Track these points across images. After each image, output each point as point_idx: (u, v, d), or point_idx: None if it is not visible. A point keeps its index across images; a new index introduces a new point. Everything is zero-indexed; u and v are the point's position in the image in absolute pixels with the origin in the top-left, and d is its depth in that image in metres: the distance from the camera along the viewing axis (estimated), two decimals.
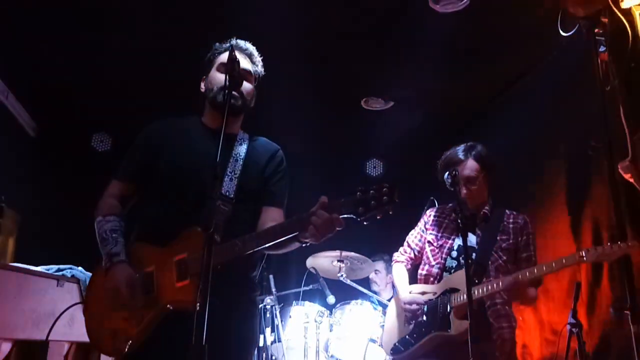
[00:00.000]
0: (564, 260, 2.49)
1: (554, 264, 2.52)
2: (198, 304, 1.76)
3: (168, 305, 1.96)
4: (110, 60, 4.27)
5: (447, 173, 2.76)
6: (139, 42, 4.03)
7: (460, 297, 2.70)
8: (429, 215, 3.14)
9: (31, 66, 4.40)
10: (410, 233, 3.20)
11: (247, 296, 2.19)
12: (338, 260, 4.34)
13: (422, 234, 3.12)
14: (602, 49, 2.80)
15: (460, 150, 2.97)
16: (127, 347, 1.96)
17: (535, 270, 2.55)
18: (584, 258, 2.42)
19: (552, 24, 3.16)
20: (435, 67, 4.10)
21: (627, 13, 2.40)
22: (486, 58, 3.91)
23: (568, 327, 2.86)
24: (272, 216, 2.22)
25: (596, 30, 2.77)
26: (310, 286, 4.46)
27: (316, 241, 1.90)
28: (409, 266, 3.15)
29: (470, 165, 2.90)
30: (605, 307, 2.57)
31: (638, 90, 2.46)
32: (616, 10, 2.44)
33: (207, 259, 1.36)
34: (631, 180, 2.58)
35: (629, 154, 2.57)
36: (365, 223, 1.83)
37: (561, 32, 3.12)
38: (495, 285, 2.61)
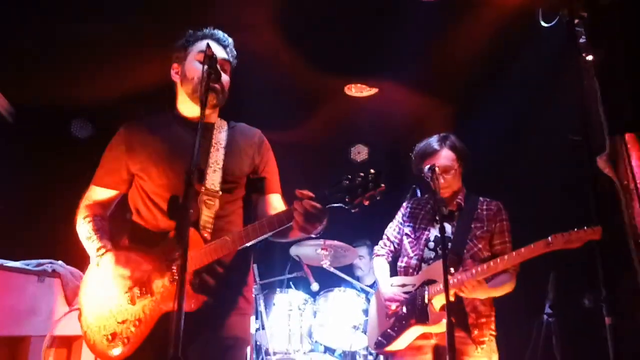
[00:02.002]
0: (532, 246, 2.55)
1: (523, 250, 2.58)
2: (193, 305, 1.78)
3: (162, 306, 1.96)
4: (89, 45, 4.18)
5: (427, 167, 2.79)
6: (118, 29, 3.95)
7: (436, 288, 2.74)
8: (406, 207, 3.18)
9: (7, 50, 4.29)
10: (389, 226, 3.24)
11: (242, 294, 2.18)
12: (322, 248, 4.36)
13: (400, 226, 3.15)
14: (582, 39, 2.80)
15: (434, 141, 2.99)
16: (125, 349, 1.96)
17: (507, 259, 2.60)
18: (552, 244, 2.49)
19: (534, 15, 3.16)
20: (418, 54, 4.08)
21: (606, 8, 2.41)
22: (468, 47, 3.90)
23: (544, 316, 2.92)
24: (273, 203, 2.23)
25: (576, 21, 2.77)
26: (294, 274, 4.49)
27: (307, 233, 1.92)
28: (390, 259, 3.19)
29: (446, 155, 2.94)
30: (583, 297, 2.62)
31: (615, 85, 2.49)
32: (595, 6, 2.45)
33: (180, 277, 1.35)
34: (609, 174, 2.62)
35: (607, 149, 2.60)
36: (353, 211, 1.84)
37: (542, 23, 3.12)
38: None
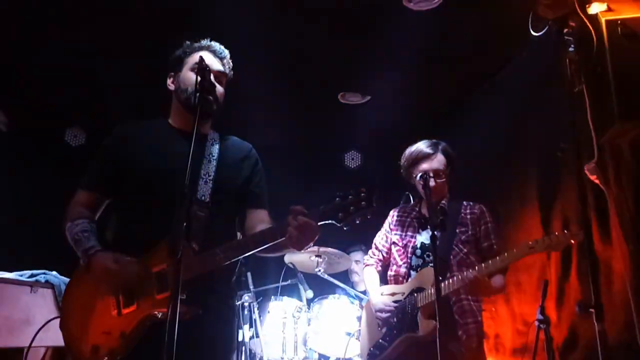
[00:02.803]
0: (514, 251, 2.57)
1: (506, 255, 2.59)
2: (184, 315, 1.77)
3: (151, 316, 1.94)
4: (82, 54, 4.20)
5: (419, 175, 2.81)
6: (112, 37, 3.97)
7: (425, 296, 2.75)
8: (392, 215, 3.19)
9: (1, 60, 4.30)
10: (377, 235, 3.25)
11: (227, 304, 2.19)
12: (316, 255, 4.37)
13: (387, 235, 3.16)
14: (571, 48, 2.84)
15: (425, 145, 3.00)
16: None
17: (490, 263, 2.61)
18: (534, 248, 2.52)
19: (524, 24, 3.21)
20: (410, 63, 4.11)
21: (594, 19, 2.45)
22: (460, 55, 3.95)
23: (536, 322, 2.94)
24: (259, 218, 2.22)
25: (565, 30, 2.82)
26: (289, 281, 4.48)
27: (298, 249, 1.92)
28: (379, 268, 3.19)
29: (440, 159, 2.96)
30: (573, 304, 2.65)
31: (603, 94, 2.52)
32: (583, 16, 2.48)
33: (174, 289, 1.36)
34: (597, 181, 2.65)
35: (595, 156, 2.63)
36: (345, 228, 1.86)
37: (532, 32, 3.17)
38: (455, 282, 2.66)
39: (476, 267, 2.65)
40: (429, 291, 2.72)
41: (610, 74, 2.38)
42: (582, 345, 2.89)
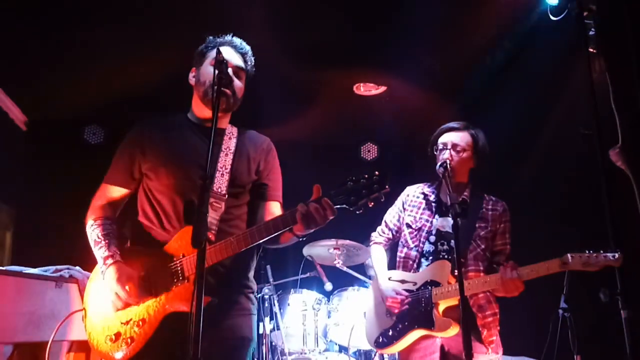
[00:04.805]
0: (547, 264, 2.48)
1: (538, 268, 2.51)
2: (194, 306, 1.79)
3: (167, 307, 1.99)
4: (100, 52, 4.24)
5: (439, 164, 2.77)
6: (130, 34, 4.00)
7: (441, 292, 2.67)
8: (407, 194, 3.06)
9: (19, 59, 4.36)
10: (389, 212, 3.10)
11: (244, 295, 2.20)
12: (334, 248, 4.37)
13: (399, 213, 3.04)
14: (591, 32, 2.78)
15: (458, 122, 2.94)
16: (129, 350, 1.99)
17: (518, 273, 2.53)
18: (567, 265, 2.44)
19: (544, 8, 3.16)
20: (425, 51, 4.09)
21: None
22: (477, 42, 3.89)
23: (560, 311, 2.90)
24: (272, 211, 2.25)
25: (585, 14, 2.76)
26: (308, 274, 4.51)
27: (307, 229, 1.92)
28: (387, 247, 3.09)
29: (464, 136, 2.89)
30: (597, 291, 2.60)
31: (626, 77, 2.46)
32: None
33: (198, 280, 1.36)
34: (622, 167, 2.60)
35: (619, 141, 2.58)
36: (357, 212, 1.85)
37: (551, 16, 3.11)
38: (491, 281, 2.60)
39: (517, 269, 2.54)
40: (447, 288, 2.65)
41: (634, 56, 2.32)
42: (608, 333, 2.84)
